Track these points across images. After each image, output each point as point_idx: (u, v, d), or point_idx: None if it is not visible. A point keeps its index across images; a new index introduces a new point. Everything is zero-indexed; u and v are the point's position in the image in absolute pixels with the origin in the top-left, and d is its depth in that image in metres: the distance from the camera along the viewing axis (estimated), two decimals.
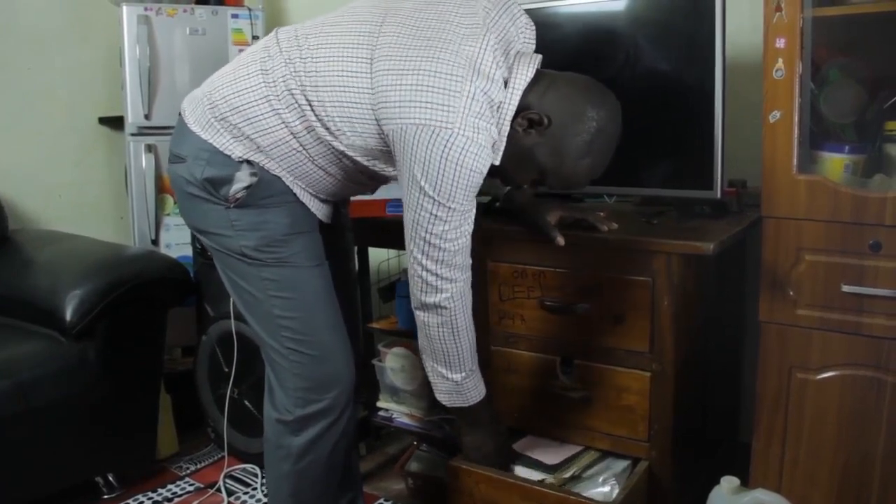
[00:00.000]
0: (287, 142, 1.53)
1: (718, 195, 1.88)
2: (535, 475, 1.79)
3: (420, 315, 1.58)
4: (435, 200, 1.44)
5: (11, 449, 2.08)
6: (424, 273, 1.52)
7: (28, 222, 3.00)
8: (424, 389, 2.26)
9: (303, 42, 1.52)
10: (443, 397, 1.68)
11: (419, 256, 1.51)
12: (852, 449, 1.67)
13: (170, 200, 2.84)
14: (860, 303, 1.63)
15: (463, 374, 1.62)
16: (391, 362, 2.33)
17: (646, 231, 1.78)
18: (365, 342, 2.52)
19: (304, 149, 1.54)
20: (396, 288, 2.40)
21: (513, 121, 1.50)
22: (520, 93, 1.49)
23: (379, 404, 2.42)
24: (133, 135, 2.78)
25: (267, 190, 1.56)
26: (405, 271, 2.53)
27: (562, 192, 1.80)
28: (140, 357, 2.38)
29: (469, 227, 1.51)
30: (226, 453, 2.49)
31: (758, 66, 1.71)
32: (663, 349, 1.72)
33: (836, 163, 1.77)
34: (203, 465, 2.61)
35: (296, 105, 1.50)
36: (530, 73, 1.50)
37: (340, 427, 1.72)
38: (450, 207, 1.45)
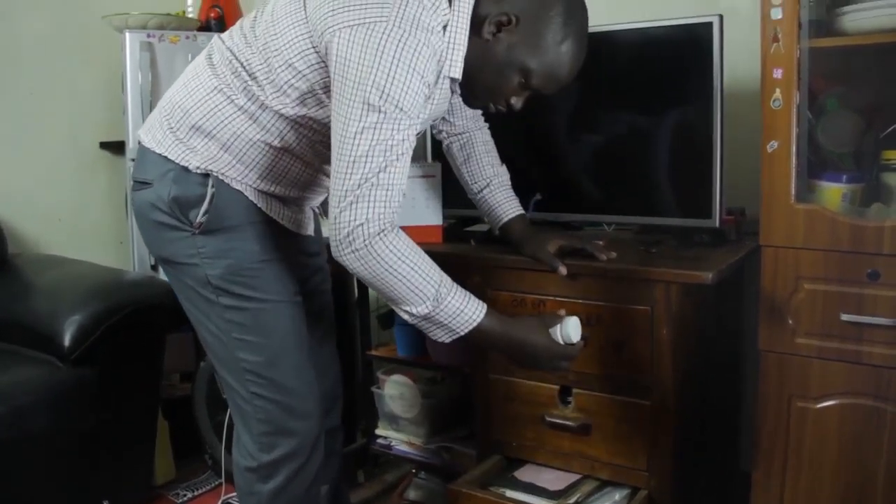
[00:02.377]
0: (244, 131, 1.49)
1: (717, 224, 1.89)
2: (538, 501, 1.78)
3: (348, 264, 1.40)
4: (371, 107, 1.32)
5: (7, 475, 2.06)
6: (349, 214, 1.35)
7: (27, 246, 2.99)
8: (423, 417, 2.26)
9: (248, 31, 1.51)
10: (438, 335, 1.47)
11: (349, 194, 1.35)
12: (853, 478, 1.67)
13: None
14: (859, 331, 1.63)
15: (426, 305, 1.40)
16: (390, 390, 2.32)
17: (645, 260, 1.79)
18: (364, 369, 2.52)
19: (264, 130, 1.49)
20: (395, 315, 2.40)
21: (479, 32, 1.44)
22: (468, 5, 1.43)
23: (378, 432, 2.42)
24: (133, 159, 2.78)
25: (229, 209, 1.51)
26: None
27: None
28: (138, 383, 2.37)
29: (408, 159, 1.39)
30: (223, 480, 2.47)
31: (756, 94, 1.72)
32: (662, 378, 1.72)
33: (834, 192, 1.77)
34: (200, 491, 2.59)
35: (243, 85, 1.48)
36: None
37: (311, 470, 1.64)
38: (387, 112, 1.33)
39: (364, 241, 1.34)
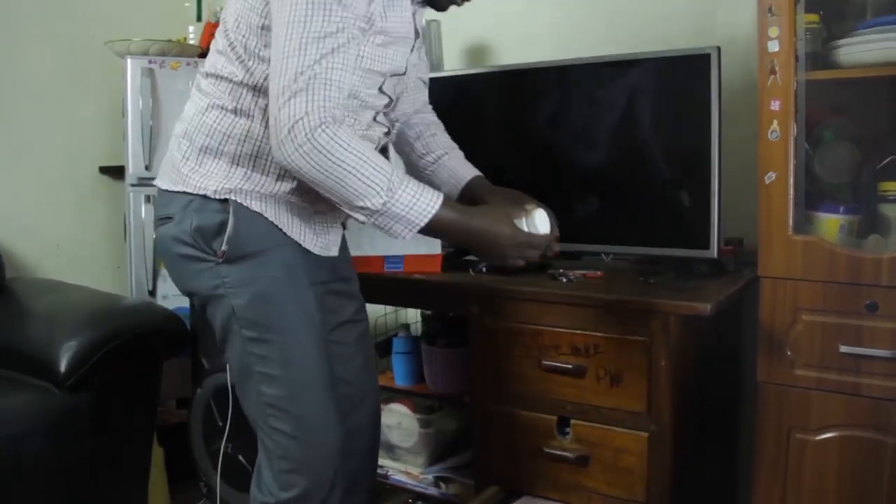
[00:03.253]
0: (248, 132, 1.47)
1: (715, 255, 1.89)
2: None
3: (293, 163, 1.34)
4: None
5: (1, 501, 2.04)
6: (288, 110, 1.31)
7: (25, 271, 2.99)
8: (421, 446, 2.24)
9: (215, 43, 1.54)
10: (397, 231, 1.41)
11: (286, 91, 1.31)
12: None
13: None
14: (858, 363, 1.63)
15: (381, 195, 1.35)
16: (387, 419, 2.31)
17: (643, 291, 1.79)
18: None
19: (265, 114, 1.45)
20: (393, 344, 2.39)
21: None
22: None
23: None
24: (133, 185, 2.79)
25: (251, 234, 1.49)
26: (402, 327, 2.53)
27: None
28: (134, 409, 2.35)
29: (347, 54, 1.36)
30: None
31: (753, 123, 1.74)
32: (661, 410, 1.71)
33: (831, 223, 1.78)
34: None
35: (228, 87, 1.47)
36: None
37: None
38: (316, 3, 1.31)
39: (306, 134, 1.30)
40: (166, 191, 1.56)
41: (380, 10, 1.42)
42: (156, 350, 2.37)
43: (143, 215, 2.79)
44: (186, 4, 3.01)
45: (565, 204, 2.13)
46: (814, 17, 1.78)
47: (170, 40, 2.85)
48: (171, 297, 2.82)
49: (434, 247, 2.03)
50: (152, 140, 2.78)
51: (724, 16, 2.25)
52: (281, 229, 1.52)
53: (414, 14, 1.54)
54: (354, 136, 1.35)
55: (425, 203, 1.38)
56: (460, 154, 1.82)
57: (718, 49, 1.87)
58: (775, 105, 1.69)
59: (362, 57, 1.44)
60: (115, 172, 3.12)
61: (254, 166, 1.48)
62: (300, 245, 1.56)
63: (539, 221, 1.49)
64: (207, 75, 1.53)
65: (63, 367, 2.18)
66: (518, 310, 1.87)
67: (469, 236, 1.46)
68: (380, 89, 1.53)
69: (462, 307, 1.94)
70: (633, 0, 2.41)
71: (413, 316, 2.69)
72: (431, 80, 1.85)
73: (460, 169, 1.78)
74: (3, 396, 2.17)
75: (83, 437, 2.20)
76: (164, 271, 2.83)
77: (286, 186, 1.50)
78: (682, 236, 1.95)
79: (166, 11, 3.32)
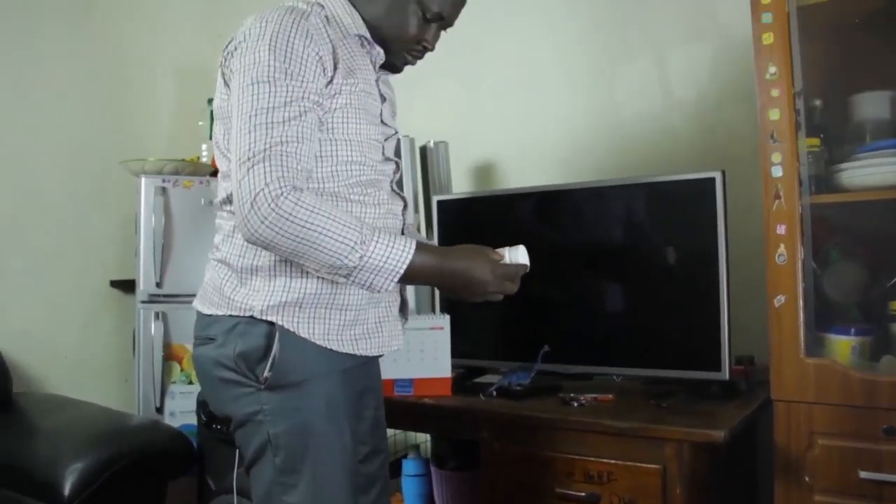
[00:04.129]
0: None
1: (727, 377, 1.88)
2: None
3: (262, 236, 1.31)
4: (256, 82, 1.34)
5: None
6: (248, 184, 1.30)
7: (32, 384, 2.98)
8: None
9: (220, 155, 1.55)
10: (379, 284, 1.38)
11: (243, 165, 1.32)
12: None
13: (176, 368, 2.83)
14: (880, 490, 1.60)
15: (356, 250, 1.33)
16: None
17: (655, 416, 1.77)
18: None
19: None
20: (402, 466, 2.36)
21: None
22: None
23: None
24: (143, 302, 2.81)
25: (296, 362, 1.44)
26: (412, 447, 2.49)
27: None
28: None
29: (304, 125, 1.36)
30: None
31: (759, 237, 1.76)
32: None
33: (843, 345, 1.77)
34: None
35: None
36: None
37: None
38: (270, 81, 1.34)
39: (269, 205, 1.28)
40: (207, 314, 1.52)
41: (340, 81, 1.44)
42: (161, 471, 2.34)
43: (152, 332, 2.79)
44: (200, 123, 3.09)
45: (575, 326, 2.14)
46: (815, 141, 1.82)
47: (183, 160, 2.92)
48: (178, 415, 2.80)
49: (444, 370, 2.02)
50: (164, 257, 2.81)
51: (726, 137, 2.31)
52: (330, 349, 1.46)
53: (377, 80, 1.57)
54: (318, 196, 1.34)
55: (400, 250, 1.36)
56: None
57: (723, 173, 1.90)
58: (781, 229, 1.71)
59: (347, 125, 1.46)
60: (126, 286, 3.15)
61: (290, 272, 1.45)
62: (346, 372, 1.50)
63: (521, 254, 1.47)
64: (222, 204, 1.54)
65: (67, 489, 2.16)
66: (529, 435, 1.84)
67: (447, 277, 1.44)
68: (384, 155, 1.55)
69: (473, 432, 1.91)
70: (639, 124, 2.48)
71: (423, 436, 2.65)
72: (440, 201, 1.88)
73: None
74: None
75: None
76: (171, 388, 2.83)
77: (326, 287, 1.46)
78: (692, 358, 1.95)
79: (180, 130, 3.42)
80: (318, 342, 1.45)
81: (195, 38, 3.49)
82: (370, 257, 1.34)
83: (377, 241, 1.35)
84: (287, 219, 1.29)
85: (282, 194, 1.29)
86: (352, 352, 1.48)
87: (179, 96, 3.53)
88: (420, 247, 1.39)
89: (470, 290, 1.46)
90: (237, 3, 3.57)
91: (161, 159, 2.85)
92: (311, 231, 1.30)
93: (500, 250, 1.47)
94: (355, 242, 1.33)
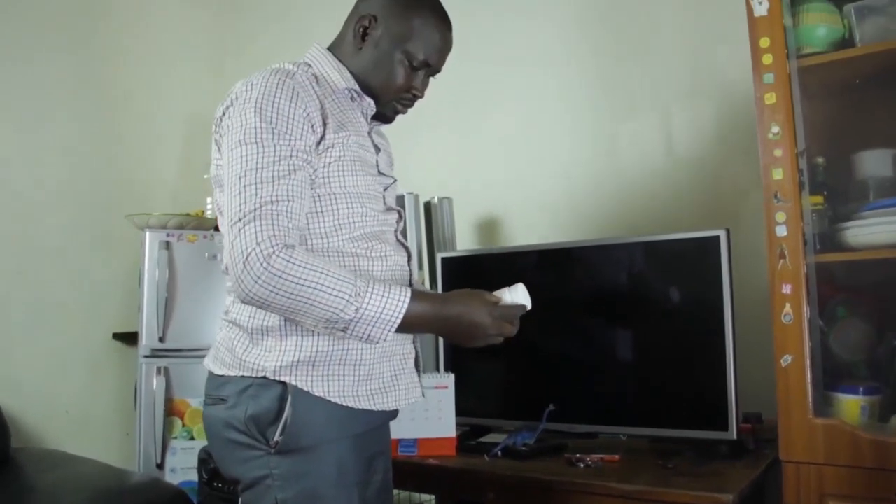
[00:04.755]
0: None
1: (734, 436, 1.86)
2: None
3: (257, 295, 1.31)
4: (244, 142, 1.35)
5: None
6: (240, 244, 1.29)
7: (32, 436, 2.96)
8: None
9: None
10: (377, 335, 1.36)
11: (234, 227, 1.32)
12: None
13: (178, 423, 2.81)
14: None
15: (351, 303, 1.32)
16: None
17: (662, 478, 1.74)
18: None
19: None
20: None
21: (354, 48, 1.54)
22: (318, 46, 1.56)
23: None
24: (146, 356, 2.80)
25: (309, 425, 1.42)
26: None
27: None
28: None
29: (293, 183, 1.37)
30: None
31: (764, 293, 1.74)
32: None
33: (851, 405, 1.75)
34: None
35: None
36: (316, 47, 1.57)
37: None
38: (259, 141, 1.35)
39: (261, 264, 1.28)
40: (219, 374, 1.50)
41: (332, 136, 1.45)
42: None
43: (154, 386, 2.78)
44: (205, 176, 3.10)
45: (581, 384, 2.13)
46: (819, 199, 1.82)
47: (187, 214, 2.93)
48: (179, 471, 2.78)
49: (448, 430, 2.00)
50: (167, 311, 2.80)
51: (731, 193, 2.32)
52: (347, 407, 1.44)
53: (370, 132, 1.58)
54: (309, 252, 1.35)
55: (395, 300, 1.35)
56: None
57: (727, 231, 1.90)
58: (787, 289, 1.71)
59: (344, 178, 1.45)
60: (129, 339, 3.14)
61: (302, 331, 1.43)
62: (357, 437, 1.48)
63: (521, 292, 1.45)
64: (227, 268, 1.54)
65: None
66: (535, 497, 1.82)
67: (445, 323, 1.43)
68: (385, 204, 1.55)
69: (478, 493, 1.88)
70: (642, 179, 2.50)
71: (428, 496, 2.61)
72: (445, 258, 1.87)
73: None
74: None
75: None
76: (173, 444, 2.80)
77: (338, 343, 1.44)
78: (699, 417, 1.93)
79: (185, 183, 3.44)
80: (333, 400, 1.43)
81: (201, 90, 3.54)
82: (366, 309, 1.33)
83: (372, 293, 1.34)
84: (280, 276, 1.29)
85: (273, 253, 1.29)
86: (369, 407, 1.46)
87: (185, 149, 3.56)
88: (416, 295, 1.38)
89: (469, 335, 1.44)
90: (242, 56, 3.65)
91: (165, 214, 2.87)
92: (306, 287, 1.30)
93: (497, 292, 1.46)
94: (350, 295, 1.32)
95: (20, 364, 2.97)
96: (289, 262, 1.30)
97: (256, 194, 1.33)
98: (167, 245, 2.82)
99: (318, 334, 1.43)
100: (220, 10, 3.79)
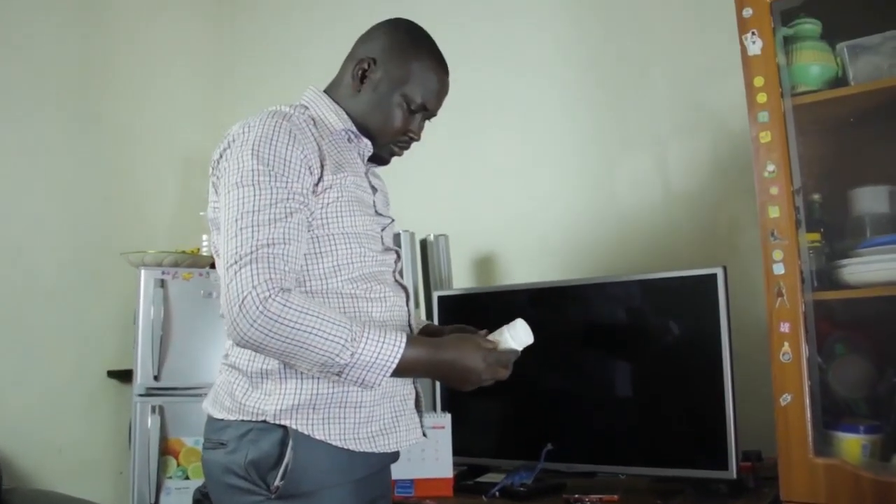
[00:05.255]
0: None
1: (734, 475, 1.85)
2: None
3: (253, 339, 1.31)
4: (240, 185, 1.35)
5: None
6: (235, 288, 1.30)
7: (24, 476, 2.91)
8: None
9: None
10: (372, 380, 1.35)
11: (230, 269, 1.32)
12: None
13: (173, 463, 2.78)
14: None
15: (347, 348, 1.32)
16: None
17: None
18: None
19: None
20: None
21: (353, 90, 1.55)
22: (314, 89, 1.56)
23: None
24: (141, 395, 2.77)
25: (309, 469, 1.40)
26: None
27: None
28: None
29: (290, 225, 1.36)
30: None
31: (764, 327, 1.73)
32: None
33: (852, 443, 1.74)
34: None
35: None
36: (312, 89, 1.58)
37: None
38: (255, 184, 1.35)
39: (257, 307, 1.28)
40: (219, 419, 1.48)
41: (329, 178, 1.45)
42: None
43: (148, 425, 2.75)
44: (201, 213, 3.11)
45: (579, 423, 2.11)
46: (815, 236, 1.82)
47: (183, 251, 2.92)
48: None
49: (445, 470, 1.99)
50: (162, 349, 2.78)
51: (728, 228, 2.32)
52: (348, 450, 1.43)
53: (367, 173, 1.58)
54: (305, 296, 1.34)
55: (391, 345, 1.35)
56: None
57: (724, 268, 1.90)
58: (785, 327, 1.70)
59: (342, 219, 1.45)
60: (124, 376, 3.11)
61: (301, 374, 1.42)
62: (358, 482, 1.46)
63: (521, 328, 1.46)
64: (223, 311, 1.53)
65: None
66: None
67: (439, 368, 1.43)
68: (383, 244, 1.54)
69: None
70: (639, 215, 2.50)
71: None
72: (441, 297, 1.87)
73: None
74: None
75: None
76: (167, 483, 2.77)
77: (338, 385, 1.42)
78: (698, 456, 1.92)
79: (181, 220, 3.44)
80: (335, 443, 1.41)
81: (197, 128, 3.55)
82: (361, 354, 1.33)
83: (367, 338, 1.34)
84: (276, 321, 1.28)
85: (270, 296, 1.29)
86: (370, 450, 1.44)
87: (181, 186, 3.55)
88: (411, 340, 1.38)
89: (463, 379, 1.44)
90: (239, 94, 3.67)
91: (161, 251, 2.86)
92: (301, 331, 1.29)
93: (495, 333, 1.47)
94: (346, 340, 1.32)
95: (13, 403, 2.93)
96: (285, 305, 1.29)
97: (253, 237, 1.33)
98: (162, 283, 2.80)
99: (314, 377, 1.41)
100: (218, 50, 3.81)
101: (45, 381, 3.03)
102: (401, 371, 1.37)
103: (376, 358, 1.34)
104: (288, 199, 1.38)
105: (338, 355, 1.31)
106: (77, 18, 3.26)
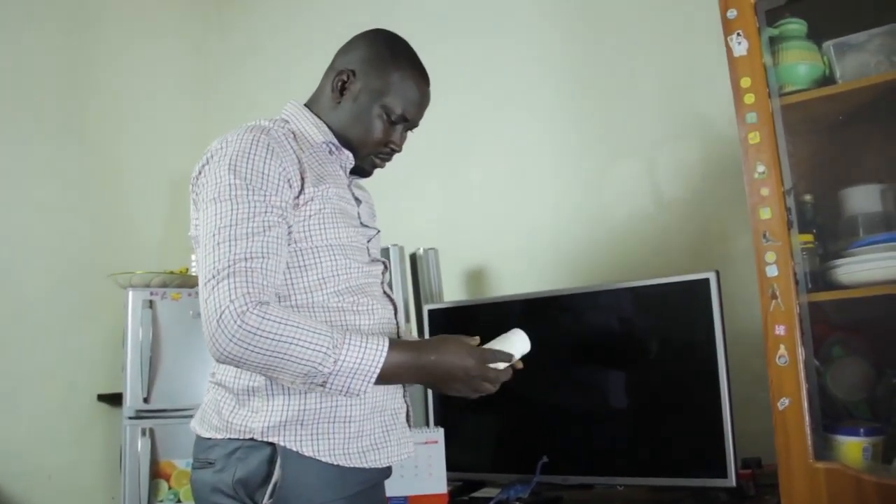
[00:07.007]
0: None
1: (733, 483, 1.82)
2: None
3: (233, 354, 1.28)
4: (218, 200, 1.34)
5: None
6: (213, 303, 1.28)
7: (13, 502, 2.87)
8: None
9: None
10: (357, 388, 1.33)
11: (207, 284, 1.30)
12: None
13: (164, 486, 2.73)
14: None
15: (329, 355, 1.30)
16: None
17: None
18: None
19: None
20: None
21: (333, 102, 1.54)
22: (294, 102, 1.56)
23: None
24: (130, 418, 2.74)
25: (297, 489, 1.38)
26: None
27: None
28: None
29: (267, 239, 1.34)
30: None
31: (759, 332, 1.71)
32: None
33: (853, 447, 1.71)
34: None
35: None
36: (293, 103, 1.57)
37: None
38: (232, 198, 1.33)
39: (235, 321, 1.26)
40: (207, 437, 1.47)
41: (311, 190, 1.43)
42: None
43: (139, 448, 2.71)
44: (189, 234, 3.08)
45: (574, 434, 2.09)
46: (808, 237, 1.81)
47: (171, 272, 2.89)
48: None
49: (439, 486, 1.96)
50: (152, 371, 2.75)
51: (719, 233, 2.31)
52: (338, 466, 1.40)
53: (350, 185, 1.57)
54: (283, 307, 1.33)
55: (373, 350, 1.33)
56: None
57: (717, 273, 1.88)
58: (780, 330, 1.68)
59: (325, 231, 1.43)
60: (114, 399, 3.07)
61: (289, 389, 1.40)
62: (349, 499, 1.43)
63: (518, 337, 1.45)
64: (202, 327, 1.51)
65: None
66: None
67: (425, 370, 1.39)
68: (370, 256, 1.52)
69: None
70: (629, 223, 2.49)
71: None
72: (431, 310, 1.85)
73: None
74: None
75: None
76: None
77: (327, 400, 1.41)
78: (697, 464, 1.89)
79: (170, 240, 3.41)
80: (324, 459, 1.39)
81: (184, 148, 3.52)
82: (344, 361, 1.31)
83: (349, 344, 1.32)
84: (255, 333, 1.27)
85: (247, 310, 1.27)
86: (361, 465, 1.42)
87: (169, 207, 3.53)
88: (394, 344, 1.36)
89: (450, 377, 1.41)
90: (227, 116, 3.65)
91: (149, 272, 2.83)
92: (282, 342, 1.27)
93: (493, 342, 1.45)
94: (328, 348, 1.30)
95: (2, 429, 2.89)
96: (263, 318, 1.27)
97: (230, 251, 1.31)
98: (150, 304, 2.77)
99: (301, 392, 1.39)
100: (205, 72, 3.81)
101: (34, 406, 2.99)
102: (386, 376, 1.35)
103: (359, 364, 1.32)
104: (266, 212, 1.36)
105: (321, 363, 1.30)
106: (63, 41, 3.25)
